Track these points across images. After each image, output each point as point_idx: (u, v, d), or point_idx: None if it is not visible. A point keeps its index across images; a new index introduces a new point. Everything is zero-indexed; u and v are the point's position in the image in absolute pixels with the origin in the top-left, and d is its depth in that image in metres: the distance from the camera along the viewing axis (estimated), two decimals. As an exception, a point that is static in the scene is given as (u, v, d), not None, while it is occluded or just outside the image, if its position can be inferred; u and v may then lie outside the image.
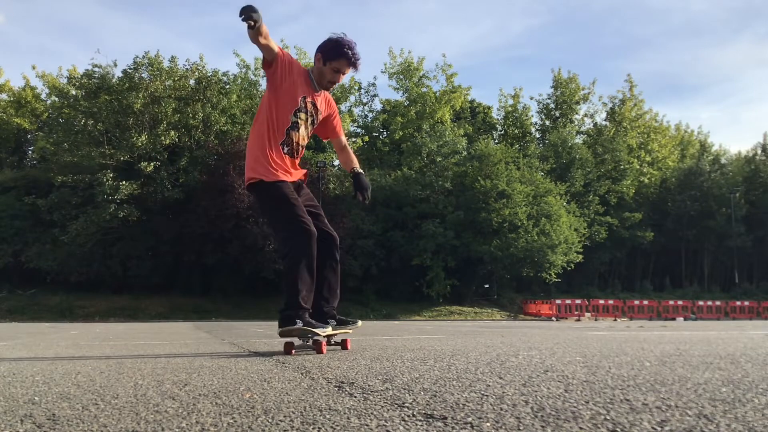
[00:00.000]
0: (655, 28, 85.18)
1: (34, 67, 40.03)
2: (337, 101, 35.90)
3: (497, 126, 41.77)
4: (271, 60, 3.51)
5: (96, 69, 29.34)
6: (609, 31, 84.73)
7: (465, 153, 32.29)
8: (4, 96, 36.80)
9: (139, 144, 27.72)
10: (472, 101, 40.46)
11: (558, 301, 27.67)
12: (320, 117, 3.73)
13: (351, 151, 4.00)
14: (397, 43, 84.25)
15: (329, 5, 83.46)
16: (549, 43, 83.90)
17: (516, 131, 41.34)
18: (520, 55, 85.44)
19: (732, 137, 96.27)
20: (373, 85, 38.44)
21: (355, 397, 1.74)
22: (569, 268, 31.07)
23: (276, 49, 3.49)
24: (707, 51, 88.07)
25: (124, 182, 26.96)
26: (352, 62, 3.59)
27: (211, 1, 77.59)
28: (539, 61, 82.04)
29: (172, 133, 28.74)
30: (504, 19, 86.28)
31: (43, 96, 36.57)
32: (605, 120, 42.59)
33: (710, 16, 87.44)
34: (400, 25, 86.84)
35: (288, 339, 3.52)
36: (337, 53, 3.55)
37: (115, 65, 29.79)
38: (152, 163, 27.88)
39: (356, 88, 36.87)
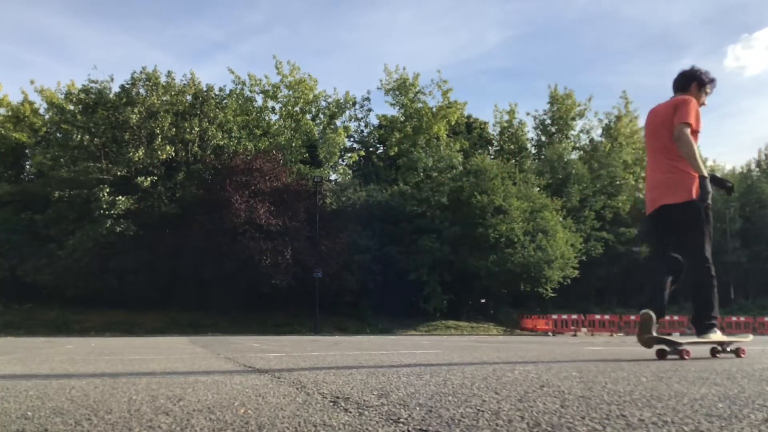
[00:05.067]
0: (632, 40, 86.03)
1: (32, 82, 39.99)
2: (332, 116, 36.09)
3: (493, 141, 41.94)
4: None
5: (93, 84, 29.46)
6: (586, 43, 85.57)
7: (461, 168, 32.38)
8: (2, 110, 36.83)
9: (136, 158, 27.75)
10: (468, 116, 40.66)
11: (554, 316, 27.56)
12: None
13: None
14: (372, 54, 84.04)
15: (300, 16, 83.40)
16: (526, 54, 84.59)
17: (512, 146, 41.50)
18: (499, 67, 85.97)
19: (716, 150, 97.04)
20: (367, 99, 38.50)
21: (350, 412, 1.73)
22: (565, 284, 31.04)
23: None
24: (685, 63, 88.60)
25: (120, 197, 26.94)
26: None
27: (182, 11, 77.83)
28: (518, 73, 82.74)
29: (169, 147, 28.79)
30: (479, 31, 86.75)
31: (41, 111, 36.63)
32: (601, 136, 42.83)
33: (687, 28, 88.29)
34: (374, 37, 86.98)
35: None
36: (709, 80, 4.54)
37: (112, 80, 29.93)
38: (149, 178, 27.89)
39: (351, 103, 37.01)
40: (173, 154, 29.15)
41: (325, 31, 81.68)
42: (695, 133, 4.28)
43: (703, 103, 4.50)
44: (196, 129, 29.50)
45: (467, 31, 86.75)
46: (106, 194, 26.65)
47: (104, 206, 26.42)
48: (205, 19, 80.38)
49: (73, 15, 74.49)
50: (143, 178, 27.62)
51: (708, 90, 4.53)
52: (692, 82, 4.49)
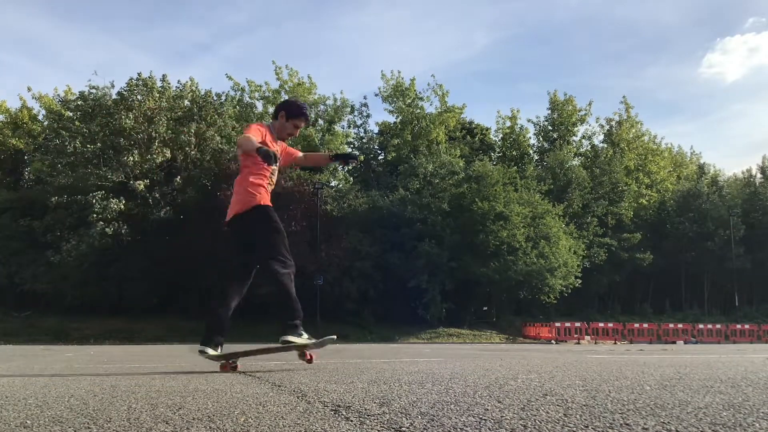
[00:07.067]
0: (625, 42, 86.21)
1: (29, 89, 40.09)
2: (331, 121, 36.29)
3: (495, 147, 41.94)
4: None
5: (92, 91, 29.51)
6: (575, 46, 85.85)
7: (462, 174, 32.35)
8: (0, 117, 36.99)
9: (131, 163, 27.76)
10: (470, 122, 40.68)
11: (557, 324, 27.48)
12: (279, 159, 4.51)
13: (312, 153, 4.80)
14: (358, 57, 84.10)
15: (284, 18, 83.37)
16: (516, 56, 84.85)
17: (514, 153, 41.51)
18: (488, 70, 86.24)
19: (709, 155, 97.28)
20: (365, 105, 38.54)
21: (351, 421, 1.71)
22: (568, 292, 30.95)
23: (258, 140, 4.14)
24: (679, 66, 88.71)
25: (113, 199, 26.88)
26: (308, 120, 4.62)
27: (162, 12, 77.69)
28: (508, 76, 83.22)
29: (165, 149, 28.84)
30: (467, 33, 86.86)
31: (40, 117, 36.77)
32: (602, 142, 42.84)
33: (680, 30, 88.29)
34: (360, 39, 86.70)
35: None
36: (297, 113, 4.50)
37: (113, 86, 30.01)
38: (143, 182, 27.90)
39: (349, 109, 37.13)
40: (169, 155, 29.18)
41: (310, 32, 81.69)
42: (244, 158, 4.34)
43: (290, 134, 4.55)
44: (193, 130, 29.49)
45: (455, 33, 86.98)
46: (98, 200, 26.63)
47: (96, 210, 26.38)
48: (187, 20, 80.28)
49: (51, 17, 74.33)
50: (139, 182, 27.63)
51: (297, 123, 4.52)
52: (280, 112, 4.54)
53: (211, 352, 4.12)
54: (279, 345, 4.10)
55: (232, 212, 4.29)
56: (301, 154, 4.92)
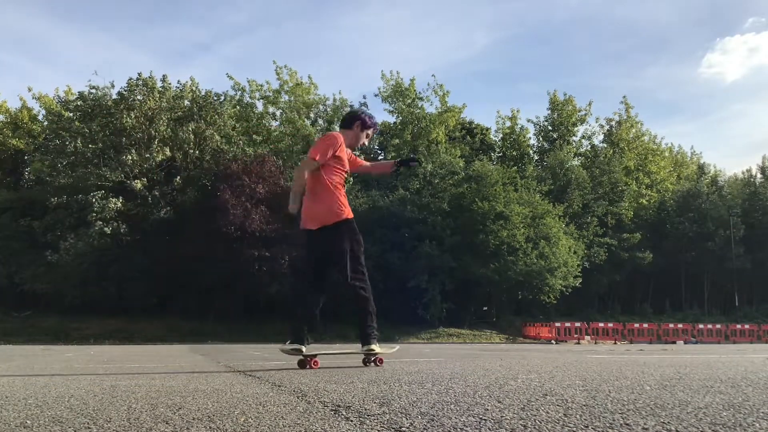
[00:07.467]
0: (625, 42, 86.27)
1: (29, 89, 40.14)
2: (330, 120, 36.31)
3: (495, 147, 41.93)
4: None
5: (92, 91, 29.52)
6: (575, 46, 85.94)
7: (462, 174, 32.33)
8: (0, 117, 37.00)
9: (130, 162, 27.78)
10: (470, 122, 40.66)
11: (557, 324, 27.46)
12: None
13: (376, 162, 5.08)
14: (358, 57, 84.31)
15: (284, 18, 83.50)
16: (515, 56, 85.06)
17: (514, 153, 41.51)
18: (488, 70, 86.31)
19: (710, 155, 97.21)
20: (365, 105, 38.46)
21: (351, 421, 1.71)
22: (568, 292, 30.94)
23: (321, 158, 4.40)
24: (679, 66, 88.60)
25: (113, 198, 26.90)
26: (377, 129, 4.95)
27: (162, 12, 77.50)
28: (507, 76, 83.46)
29: (165, 148, 28.86)
30: (467, 33, 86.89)
31: (40, 117, 36.79)
32: (602, 142, 42.86)
33: (680, 30, 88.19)
34: (360, 39, 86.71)
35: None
36: (371, 123, 4.82)
37: (113, 86, 30.01)
38: (143, 180, 27.91)
39: (347, 110, 37.15)
40: (168, 153, 29.20)
41: (310, 32, 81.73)
42: (324, 166, 4.45)
43: (363, 144, 4.84)
44: (192, 128, 29.47)
45: (455, 33, 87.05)
46: (98, 199, 26.65)
47: (96, 209, 26.40)
48: (187, 20, 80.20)
49: (51, 17, 74.10)
50: (137, 181, 27.65)
51: (369, 133, 4.82)
52: (355, 122, 4.75)
53: (304, 349, 4.37)
54: (363, 351, 4.47)
55: (320, 221, 4.49)
56: (368, 163, 5.20)
